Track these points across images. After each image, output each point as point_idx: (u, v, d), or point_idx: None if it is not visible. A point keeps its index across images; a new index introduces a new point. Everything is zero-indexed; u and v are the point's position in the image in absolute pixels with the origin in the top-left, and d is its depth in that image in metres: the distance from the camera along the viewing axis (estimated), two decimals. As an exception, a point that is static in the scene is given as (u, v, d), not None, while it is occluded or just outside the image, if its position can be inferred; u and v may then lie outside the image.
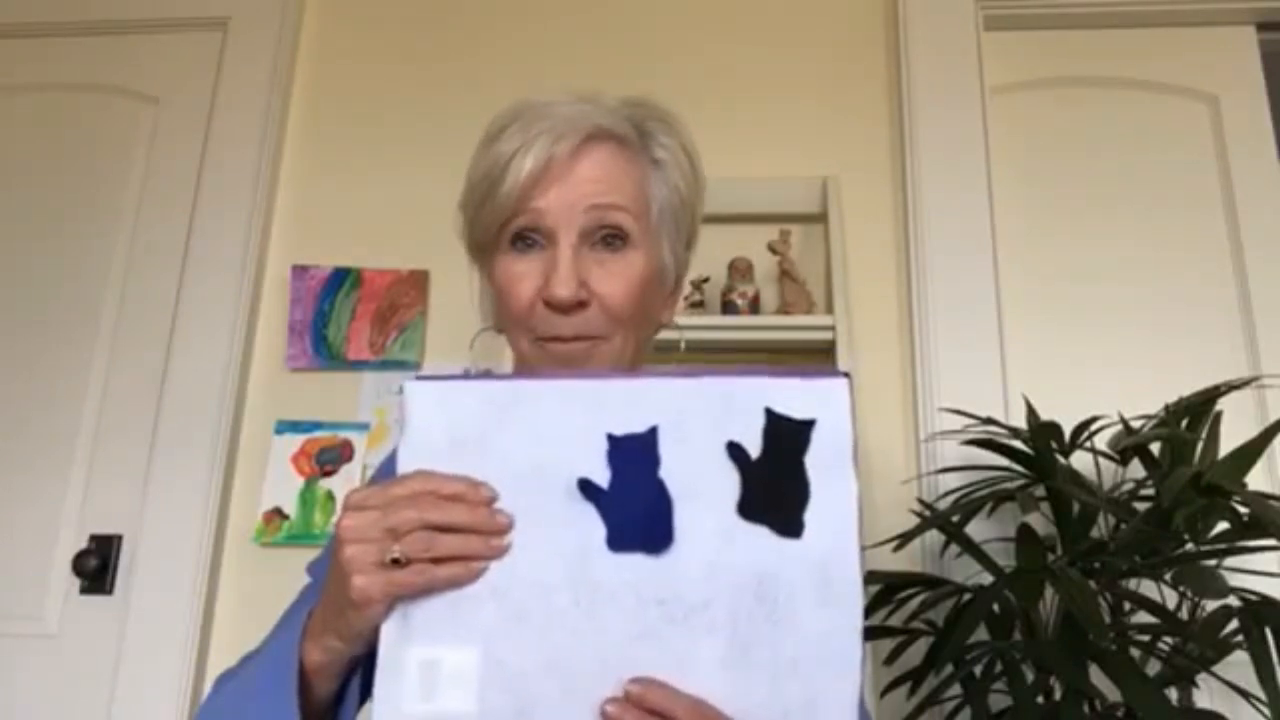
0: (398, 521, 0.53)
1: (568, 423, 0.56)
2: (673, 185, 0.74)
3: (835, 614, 0.56)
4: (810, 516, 0.56)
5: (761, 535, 0.55)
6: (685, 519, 0.55)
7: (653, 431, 0.56)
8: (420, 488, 0.54)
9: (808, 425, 0.56)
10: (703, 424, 0.56)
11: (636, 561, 0.54)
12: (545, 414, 0.56)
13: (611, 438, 0.55)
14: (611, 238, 0.70)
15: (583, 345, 0.70)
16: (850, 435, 0.57)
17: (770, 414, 0.56)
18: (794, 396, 0.56)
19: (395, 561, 0.53)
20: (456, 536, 0.53)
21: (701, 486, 0.55)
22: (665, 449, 0.55)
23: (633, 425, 0.56)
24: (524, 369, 0.74)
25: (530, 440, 0.56)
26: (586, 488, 0.55)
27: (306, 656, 0.59)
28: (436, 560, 0.53)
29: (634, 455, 0.55)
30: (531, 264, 0.70)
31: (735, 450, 0.56)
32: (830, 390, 0.57)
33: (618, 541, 0.54)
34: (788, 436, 0.56)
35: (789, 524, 0.55)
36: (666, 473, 0.55)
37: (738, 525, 0.55)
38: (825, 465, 0.56)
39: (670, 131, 0.76)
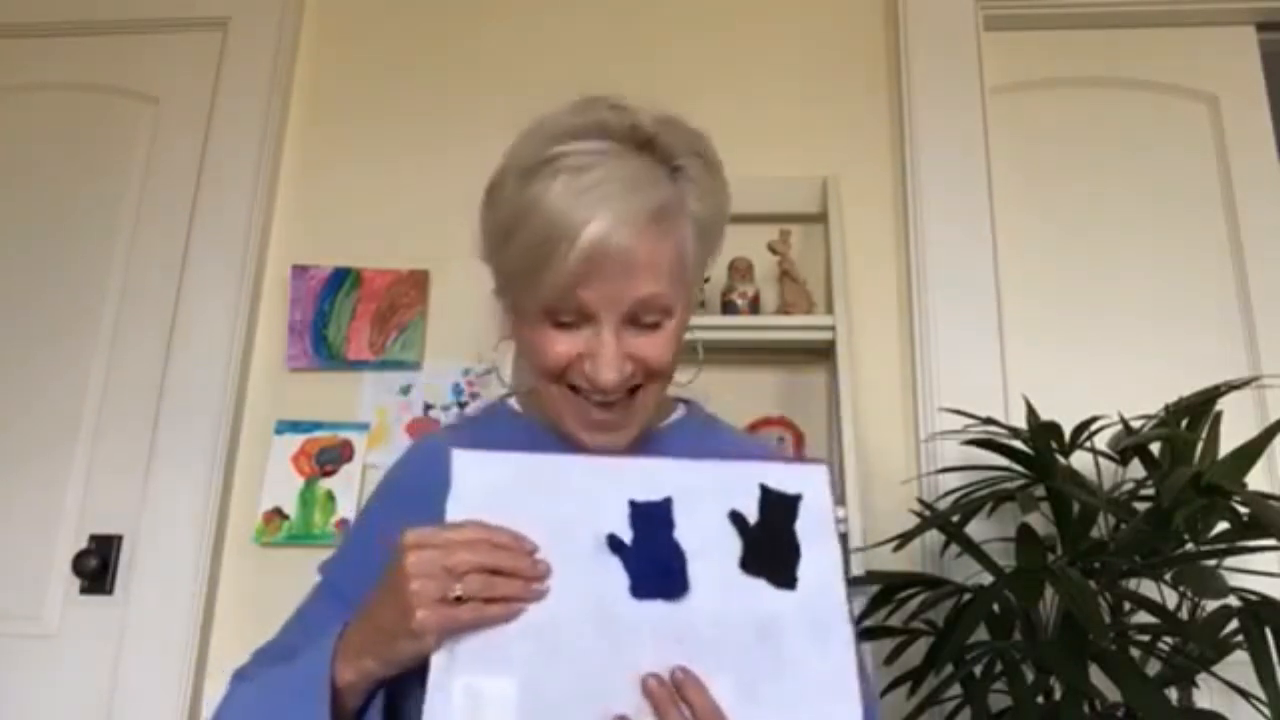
0: (457, 562, 0.59)
1: (595, 490, 0.65)
2: (702, 226, 0.73)
3: (830, 653, 0.63)
4: (802, 572, 0.65)
5: (761, 587, 0.64)
6: (697, 573, 0.63)
7: (667, 501, 0.65)
8: (475, 536, 0.61)
9: (796, 499, 0.67)
10: (709, 497, 0.66)
11: (656, 607, 0.62)
12: (575, 483, 0.66)
13: (633, 503, 0.65)
14: (652, 320, 0.70)
15: (621, 408, 0.72)
16: (830, 510, 0.68)
17: (765, 489, 0.67)
18: (784, 477, 0.68)
19: (455, 599, 0.59)
20: (506, 580, 0.60)
21: (709, 546, 0.64)
22: (678, 515, 0.65)
23: (651, 495, 0.65)
24: (540, 405, 0.76)
25: (563, 503, 0.64)
26: (614, 543, 0.63)
27: (339, 675, 0.63)
28: (488, 600, 0.60)
29: (652, 519, 0.65)
30: (571, 337, 0.69)
31: (736, 518, 0.65)
32: (812, 473, 0.69)
33: (640, 589, 0.62)
34: (780, 507, 0.67)
35: (784, 578, 0.65)
36: (680, 534, 0.64)
37: (740, 579, 0.64)
38: (812, 531, 0.66)
39: (702, 162, 0.73)
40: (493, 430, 0.82)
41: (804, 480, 0.68)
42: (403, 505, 0.76)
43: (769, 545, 0.65)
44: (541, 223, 0.66)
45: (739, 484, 0.67)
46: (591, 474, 0.66)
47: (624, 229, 0.65)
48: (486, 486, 0.64)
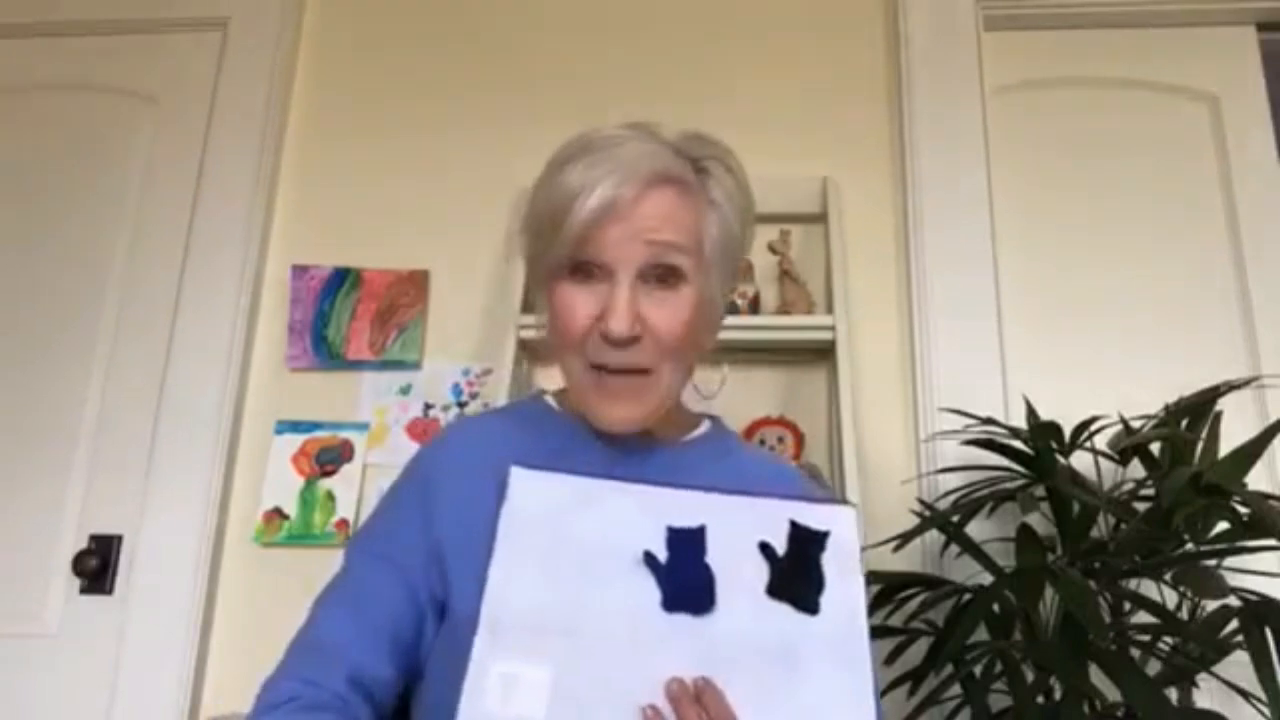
0: None
1: (638, 512, 0.70)
2: (726, 223, 0.77)
3: (848, 676, 0.67)
4: (826, 600, 0.69)
5: (785, 611, 0.68)
6: (724, 594, 0.68)
7: (702, 528, 0.70)
8: None
9: (824, 534, 0.72)
10: (742, 528, 0.71)
11: (684, 620, 0.67)
12: (620, 506, 0.71)
13: (670, 528, 0.70)
14: (667, 275, 0.74)
15: (635, 381, 0.75)
16: (856, 547, 0.72)
17: (795, 524, 0.71)
18: (813, 515, 0.72)
19: None
20: None
21: (739, 572, 0.69)
22: (711, 542, 0.70)
23: (688, 522, 0.70)
24: (569, 393, 0.80)
25: (608, 521, 0.70)
26: (649, 559, 0.68)
27: None
28: None
29: (687, 542, 0.69)
30: (589, 295, 0.74)
31: (766, 548, 0.70)
32: (841, 513, 0.73)
33: (670, 603, 0.67)
34: (808, 541, 0.71)
35: (808, 603, 0.69)
36: (712, 559, 0.69)
37: (766, 602, 0.68)
38: (838, 563, 0.71)
39: (726, 168, 0.78)
40: (533, 425, 0.84)
41: (833, 519, 0.73)
42: (453, 482, 0.78)
43: (795, 574, 0.69)
44: (563, 189, 0.72)
45: (771, 518, 0.71)
46: (636, 500, 0.71)
47: (632, 182, 0.71)
48: (540, 503, 0.70)
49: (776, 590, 0.69)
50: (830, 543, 0.71)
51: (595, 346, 0.74)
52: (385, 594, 0.74)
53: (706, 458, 0.83)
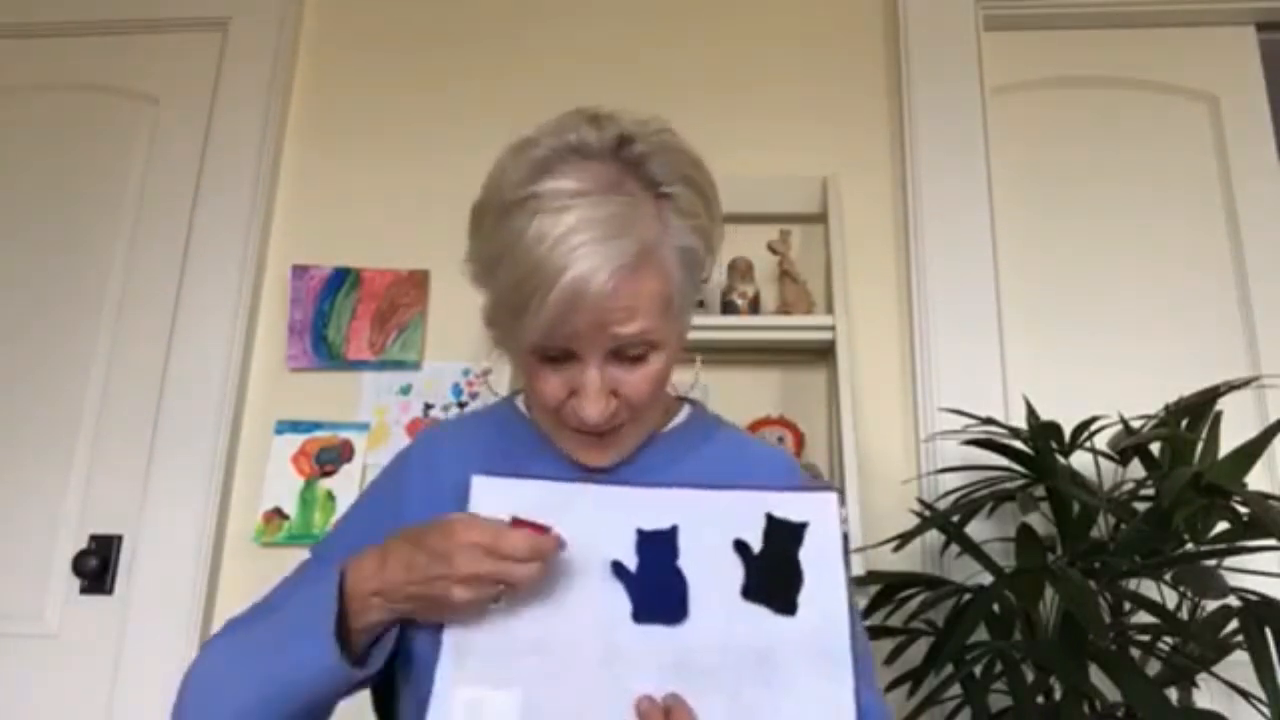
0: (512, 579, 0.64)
1: (605, 518, 0.68)
2: (692, 253, 0.71)
3: (829, 679, 0.64)
4: (804, 598, 0.66)
5: (762, 615, 0.66)
6: (698, 599, 0.66)
7: (674, 529, 0.68)
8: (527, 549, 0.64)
9: (801, 526, 0.68)
10: (715, 526, 0.68)
11: (656, 631, 0.65)
12: (586, 510, 0.68)
13: (640, 532, 0.67)
14: (638, 354, 0.69)
15: (610, 435, 0.72)
16: (838, 535, 0.69)
17: (770, 518, 0.68)
18: (790, 505, 0.69)
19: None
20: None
21: (712, 574, 0.66)
22: (683, 543, 0.67)
23: (658, 523, 0.68)
24: (543, 426, 0.77)
25: (575, 528, 0.65)
26: (618, 569, 0.66)
27: (360, 618, 0.67)
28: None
29: (658, 547, 0.67)
30: (558, 376, 0.70)
31: (740, 546, 0.67)
32: (821, 501, 0.70)
33: (641, 614, 0.65)
34: (784, 535, 0.68)
35: (785, 604, 0.66)
36: (684, 562, 0.67)
37: (741, 605, 0.66)
38: (817, 558, 0.67)
39: (689, 189, 0.71)
40: (498, 431, 0.82)
41: (811, 508, 0.69)
42: (421, 492, 0.77)
43: (772, 573, 0.67)
44: (520, 266, 0.65)
45: (745, 513, 0.68)
46: (602, 502, 0.69)
47: (601, 275, 0.63)
48: (504, 512, 0.67)
49: (752, 592, 0.66)
50: (809, 535, 0.68)
51: (570, 414, 0.70)
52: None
53: (686, 445, 0.80)
